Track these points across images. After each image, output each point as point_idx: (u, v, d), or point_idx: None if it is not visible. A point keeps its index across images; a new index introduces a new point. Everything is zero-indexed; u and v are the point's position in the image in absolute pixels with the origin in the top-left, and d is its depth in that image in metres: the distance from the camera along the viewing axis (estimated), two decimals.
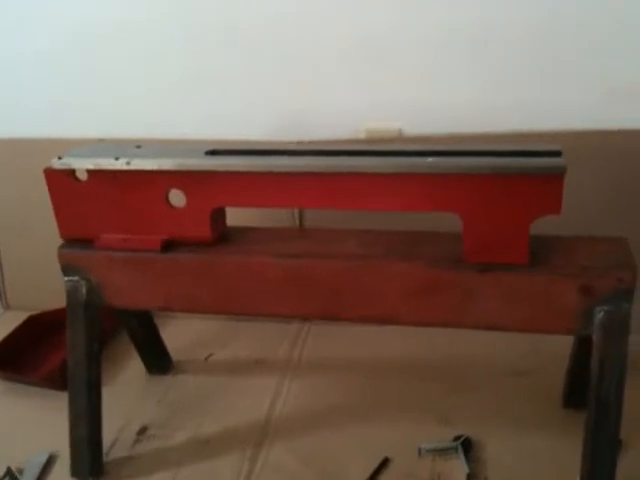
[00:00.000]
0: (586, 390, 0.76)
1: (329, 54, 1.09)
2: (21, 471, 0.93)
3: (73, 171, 0.86)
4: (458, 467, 0.88)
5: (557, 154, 0.74)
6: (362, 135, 1.12)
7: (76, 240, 0.90)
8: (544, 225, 0.75)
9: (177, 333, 1.21)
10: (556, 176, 0.71)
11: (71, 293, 0.89)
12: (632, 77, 1.01)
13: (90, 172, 0.85)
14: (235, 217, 0.90)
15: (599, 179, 1.03)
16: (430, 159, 0.75)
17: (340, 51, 1.08)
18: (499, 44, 1.03)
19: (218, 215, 0.86)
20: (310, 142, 1.08)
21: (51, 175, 0.86)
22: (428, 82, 1.07)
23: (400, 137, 1.10)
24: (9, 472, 0.92)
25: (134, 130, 1.14)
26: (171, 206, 0.85)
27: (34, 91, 1.23)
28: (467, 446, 0.91)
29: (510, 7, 1.00)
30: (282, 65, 1.11)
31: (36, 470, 0.93)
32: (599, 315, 0.73)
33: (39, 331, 1.21)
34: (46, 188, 0.87)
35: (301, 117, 1.12)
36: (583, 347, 0.86)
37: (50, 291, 1.07)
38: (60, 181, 0.86)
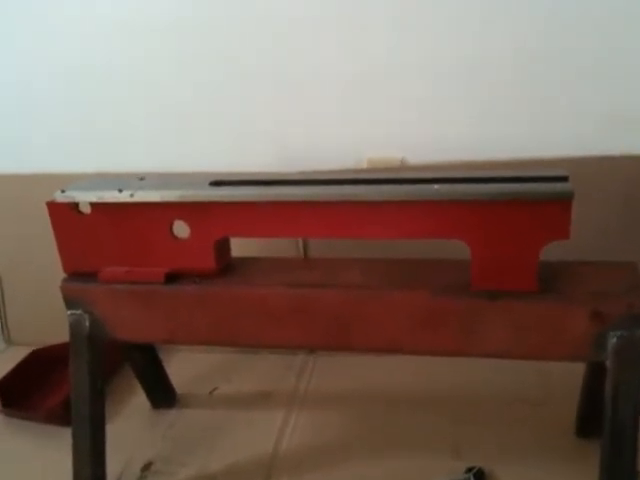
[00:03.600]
0: (600, 419, 0.75)
1: (330, 86, 1.09)
2: None
3: (76, 204, 0.85)
4: None
5: (564, 179, 0.73)
6: (364, 165, 1.11)
7: (79, 274, 0.89)
8: (552, 251, 0.74)
9: (181, 367, 1.20)
10: (564, 201, 0.71)
11: (74, 327, 0.88)
12: (628, 104, 1.01)
13: (93, 205, 0.85)
14: (239, 248, 0.89)
15: (605, 205, 1.03)
16: (436, 186, 0.74)
17: (341, 83, 1.08)
18: (497, 74, 1.03)
19: (222, 246, 0.85)
20: (313, 172, 1.08)
21: (54, 208, 0.86)
22: (429, 113, 1.07)
23: (403, 166, 1.09)
24: None
25: (133, 164, 1.14)
26: (175, 237, 0.84)
27: (34, 126, 1.23)
28: (480, 478, 0.89)
29: (505, 38, 1.01)
30: (283, 97, 1.11)
31: None
32: (612, 341, 0.72)
33: (42, 366, 1.19)
34: (48, 222, 0.87)
35: (303, 149, 1.12)
36: (595, 374, 0.84)
37: (53, 326, 1.05)
38: (63, 214, 0.86)
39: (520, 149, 1.04)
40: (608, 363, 0.72)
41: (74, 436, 0.91)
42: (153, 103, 1.16)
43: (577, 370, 0.90)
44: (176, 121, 1.17)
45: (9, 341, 1.36)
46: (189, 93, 1.14)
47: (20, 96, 1.22)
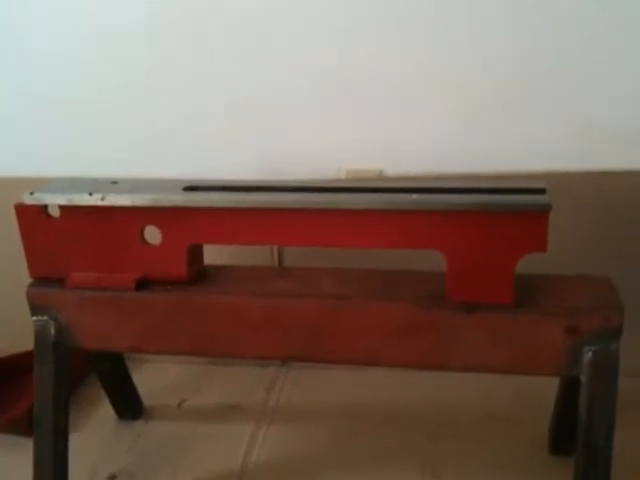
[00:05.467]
0: (574, 435, 0.74)
1: (309, 96, 1.08)
2: None
3: (45, 207, 0.83)
4: None
5: (542, 191, 0.73)
6: (343, 176, 1.10)
7: (46, 279, 0.86)
8: (528, 264, 0.74)
9: (149, 377, 1.17)
10: (541, 213, 0.70)
11: (39, 333, 0.86)
12: (608, 120, 1.01)
13: (63, 208, 0.82)
14: (213, 255, 0.88)
15: (581, 219, 1.03)
16: (414, 195, 0.74)
17: (320, 93, 1.07)
18: (478, 86, 1.03)
19: (195, 252, 0.84)
20: (289, 180, 1.06)
21: (22, 211, 0.84)
22: (409, 125, 1.07)
23: (382, 177, 1.09)
24: None
25: (107, 170, 1.11)
26: (146, 243, 0.82)
27: (5, 130, 1.20)
28: None
29: (488, 50, 1.01)
30: (262, 107, 1.10)
31: None
32: (587, 355, 0.71)
33: (6, 375, 1.16)
34: (13, 226, 0.84)
35: (281, 158, 1.11)
36: (569, 391, 0.84)
37: (18, 333, 1.03)
38: (31, 217, 0.84)
39: (499, 162, 1.04)
40: (583, 377, 0.72)
41: (35, 447, 0.87)
42: (128, 108, 1.14)
43: (553, 385, 0.90)
44: (154, 128, 1.15)
45: None
46: (168, 99, 1.13)
47: None
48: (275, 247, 1.13)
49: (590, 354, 0.71)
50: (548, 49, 0.99)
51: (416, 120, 1.06)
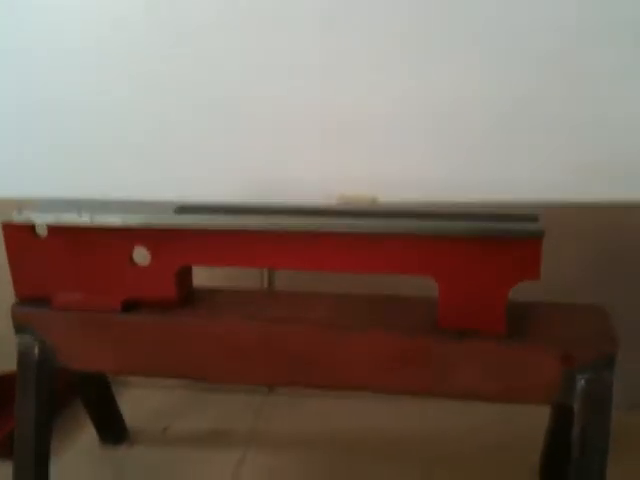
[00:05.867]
0: (566, 463, 0.73)
1: (301, 125, 1.08)
2: None
3: (33, 226, 0.82)
4: None
5: (534, 219, 0.73)
6: (334, 202, 1.10)
7: (32, 298, 0.85)
8: (521, 292, 0.73)
9: (134, 402, 1.15)
10: (535, 240, 0.70)
11: (23, 354, 0.84)
12: (600, 152, 1.02)
13: (51, 227, 0.81)
14: (202, 278, 0.87)
15: (574, 249, 1.03)
16: (407, 220, 0.73)
17: (313, 119, 1.07)
18: (469, 119, 1.03)
19: (184, 274, 0.83)
20: (281, 203, 1.06)
21: (9, 230, 0.83)
22: (403, 153, 1.07)
23: (374, 204, 1.08)
24: None
25: (96, 191, 1.11)
26: (134, 264, 0.81)
27: None
28: None
29: (483, 85, 1.01)
30: (254, 132, 1.10)
31: None
32: (580, 383, 0.70)
33: None
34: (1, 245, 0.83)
35: (272, 184, 1.11)
36: (561, 419, 0.83)
37: (1, 354, 1.01)
38: (18, 236, 0.83)
39: (492, 192, 1.03)
40: (576, 406, 0.71)
41: (15, 472, 0.86)
42: (118, 130, 1.13)
43: (545, 414, 0.89)
44: (144, 150, 1.14)
45: None
46: (159, 122, 1.12)
47: None
48: (265, 270, 1.12)
49: (583, 382, 0.70)
50: (543, 82, 1.00)
51: (410, 149, 1.06)
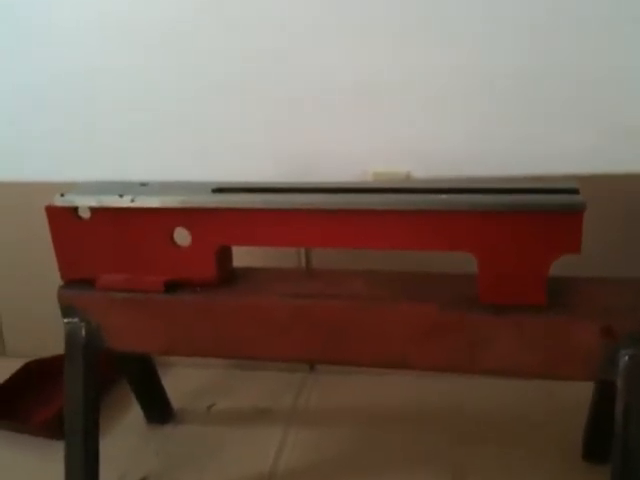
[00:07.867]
0: (609, 441, 0.72)
1: (334, 99, 1.07)
2: None
3: (76, 209, 0.83)
4: None
5: (575, 191, 0.72)
6: (369, 178, 1.10)
7: (77, 281, 0.87)
8: (558, 267, 0.72)
9: (179, 381, 1.17)
10: (575, 213, 0.69)
11: (70, 335, 0.86)
12: (630, 120, 1.00)
13: (93, 210, 0.83)
14: (241, 258, 0.87)
15: (608, 221, 1.00)
16: (444, 196, 0.73)
17: (345, 96, 1.07)
18: (501, 88, 1.01)
19: (224, 254, 0.84)
20: (318, 182, 1.06)
21: (53, 213, 0.84)
22: (436, 127, 1.05)
23: (409, 180, 1.08)
24: None
25: (135, 173, 1.12)
26: (176, 245, 0.82)
27: (33, 133, 1.22)
28: None
29: (509, 52, 1.00)
30: (287, 110, 1.10)
31: None
32: (624, 359, 0.69)
33: (36, 378, 1.17)
34: (43, 230, 0.85)
35: (306, 161, 1.11)
36: (605, 394, 0.82)
37: (48, 337, 1.04)
38: (62, 219, 0.84)
39: (525, 165, 1.02)
40: (619, 383, 0.70)
41: (67, 448, 0.88)
42: (154, 112, 1.14)
43: (586, 389, 0.88)
44: (178, 131, 1.15)
45: (4, 352, 1.34)
46: (192, 103, 1.13)
47: (19, 103, 1.20)
48: (303, 250, 1.13)
49: (626, 358, 0.69)
50: (566, 49, 0.98)
51: (445, 122, 1.05)
